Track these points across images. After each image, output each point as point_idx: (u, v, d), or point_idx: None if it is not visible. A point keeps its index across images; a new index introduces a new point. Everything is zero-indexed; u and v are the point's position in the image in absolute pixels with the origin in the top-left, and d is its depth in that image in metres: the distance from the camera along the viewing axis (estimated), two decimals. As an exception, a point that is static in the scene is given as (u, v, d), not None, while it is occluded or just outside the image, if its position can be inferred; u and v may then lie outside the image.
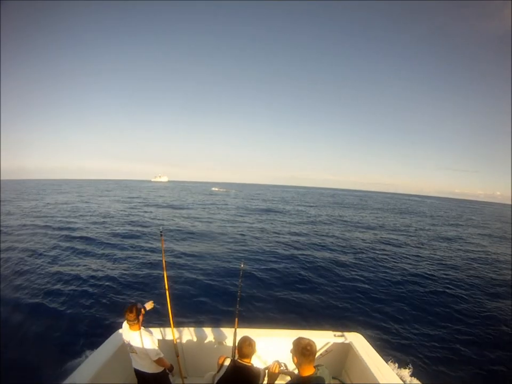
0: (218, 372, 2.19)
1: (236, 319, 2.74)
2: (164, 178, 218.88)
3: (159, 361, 2.71)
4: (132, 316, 2.57)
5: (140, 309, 2.67)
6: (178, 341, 3.30)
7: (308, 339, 1.96)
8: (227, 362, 2.19)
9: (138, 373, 2.82)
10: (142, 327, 2.71)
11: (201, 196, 50.54)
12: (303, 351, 1.87)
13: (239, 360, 2.20)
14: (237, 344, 2.29)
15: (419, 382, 4.59)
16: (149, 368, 2.75)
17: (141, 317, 2.66)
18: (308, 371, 1.89)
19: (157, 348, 2.68)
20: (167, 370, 2.89)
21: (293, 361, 1.97)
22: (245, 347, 2.18)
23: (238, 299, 2.82)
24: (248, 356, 2.20)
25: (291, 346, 1.97)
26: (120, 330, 2.82)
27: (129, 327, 2.65)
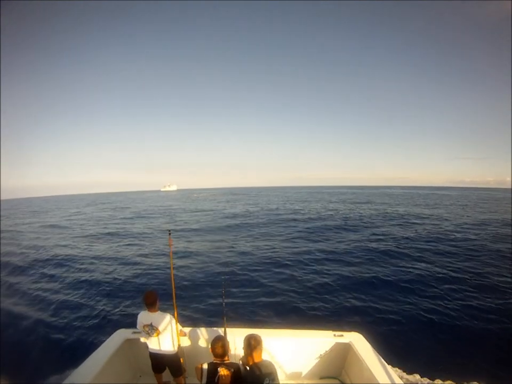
0: (201, 379, 2.20)
1: (224, 317, 2.83)
2: (173, 187, 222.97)
3: (181, 332, 3.01)
4: (151, 299, 2.89)
5: (157, 294, 2.98)
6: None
7: (255, 335, 2.29)
8: (205, 366, 2.24)
9: (154, 356, 3.00)
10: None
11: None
12: (248, 342, 2.22)
13: (214, 361, 2.28)
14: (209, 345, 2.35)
15: (419, 382, 4.41)
16: (168, 349, 2.94)
17: (158, 301, 2.96)
18: (255, 359, 2.20)
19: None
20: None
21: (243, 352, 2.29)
22: (217, 348, 2.27)
23: (223, 297, 2.92)
24: (221, 356, 2.28)
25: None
26: (139, 316, 2.95)
27: (148, 310, 2.92)
